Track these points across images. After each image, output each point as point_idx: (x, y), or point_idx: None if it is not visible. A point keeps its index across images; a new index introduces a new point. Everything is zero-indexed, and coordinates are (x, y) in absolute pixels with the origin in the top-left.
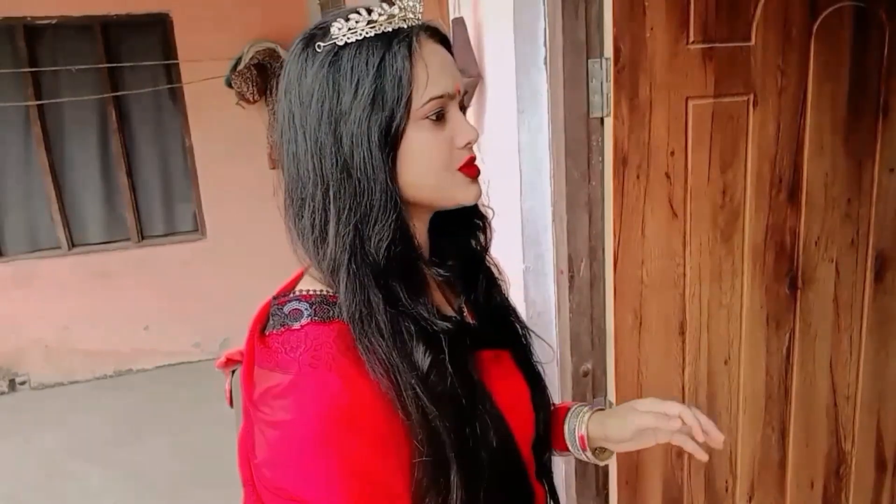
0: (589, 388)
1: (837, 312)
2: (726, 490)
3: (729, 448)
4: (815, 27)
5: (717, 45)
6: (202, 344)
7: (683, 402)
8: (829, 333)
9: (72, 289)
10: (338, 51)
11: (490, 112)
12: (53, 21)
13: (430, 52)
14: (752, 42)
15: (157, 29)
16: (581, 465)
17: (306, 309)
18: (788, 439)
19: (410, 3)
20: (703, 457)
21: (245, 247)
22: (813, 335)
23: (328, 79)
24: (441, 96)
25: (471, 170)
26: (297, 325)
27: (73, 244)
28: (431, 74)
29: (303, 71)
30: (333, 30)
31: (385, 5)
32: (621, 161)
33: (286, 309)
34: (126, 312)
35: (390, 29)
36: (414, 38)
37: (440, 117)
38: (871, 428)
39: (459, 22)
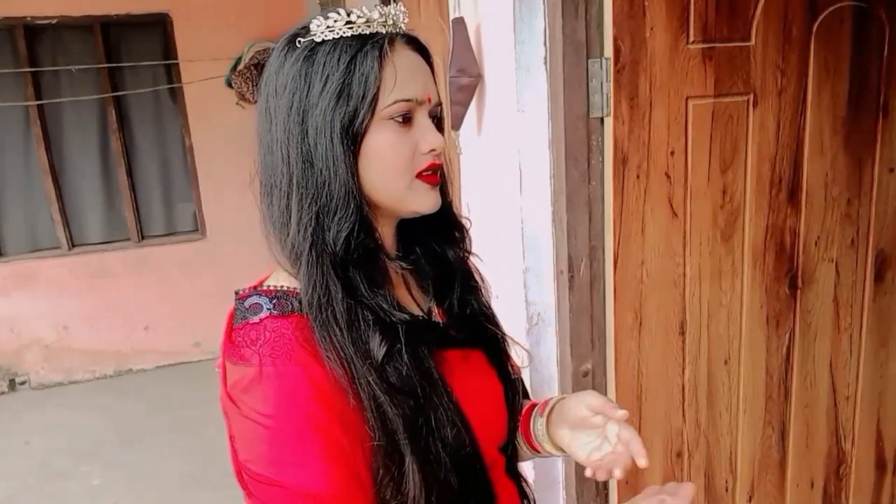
0: (589, 387)
1: (837, 312)
2: (726, 490)
3: (729, 448)
4: (815, 27)
5: (717, 44)
6: (202, 344)
7: (683, 402)
8: (829, 333)
9: (72, 289)
10: (314, 47)
11: (490, 112)
12: (53, 21)
13: (402, 57)
14: (752, 42)
15: (157, 29)
16: (581, 466)
17: (266, 303)
18: (788, 439)
19: (394, 12)
20: (619, 474)
21: (245, 247)
22: (813, 335)
23: (301, 72)
24: (408, 100)
25: (430, 177)
26: (255, 319)
27: (73, 244)
28: (400, 78)
29: (280, 64)
30: (312, 27)
31: (365, 9)
32: (621, 161)
33: (247, 303)
34: (126, 312)
35: (368, 31)
36: (387, 43)
37: (406, 120)
38: (871, 428)
39: (459, 22)
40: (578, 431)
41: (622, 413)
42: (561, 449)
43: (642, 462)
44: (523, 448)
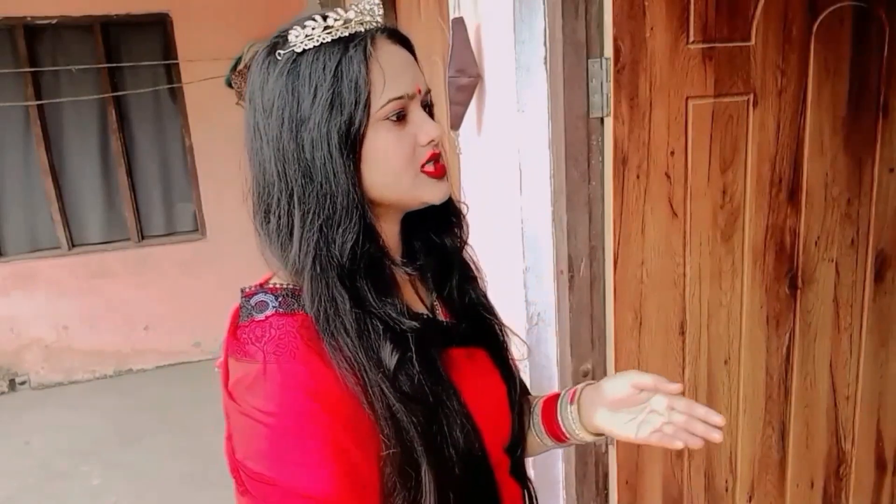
0: None
1: (837, 312)
2: (726, 490)
3: (729, 448)
4: (816, 27)
5: (717, 44)
6: (202, 344)
7: None
8: (829, 333)
9: (72, 289)
10: (296, 58)
11: (490, 112)
12: (53, 21)
13: (386, 53)
14: (752, 42)
15: (157, 29)
16: (581, 466)
17: (272, 301)
18: (788, 439)
19: (368, 7)
20: (679, 444)
21: (245, 247)
22: (813, 335)
23: (287, 86)
24: (400, 97)
25: (435, 170)
26: (261, 317)
27: (73, 244)
28: (388, 77)
29: (264, 80)
30: (291, 37)
31: (340, 10)
32: (621, 161)
33: (252, 301)
34: (126, 312)
35: (347, 34)
36: (369, 42)
37: (401, 117)
38: (871, 428)
39: (459, 22)
40: (618, 411)
41: (677, 387)
42: (595, 433)
43: (718, 419)
44: (544, 439)
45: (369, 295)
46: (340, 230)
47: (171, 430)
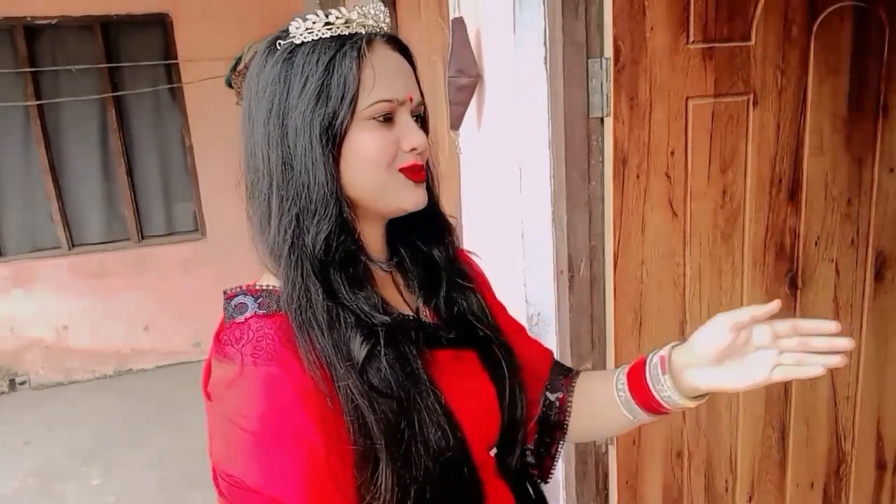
0: None
1: (837, 312)
2: (726, 490)
3: (729, 448)
4: (816, 27)
5: (717, 44)
6: (202, 344)
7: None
8: None
9: (71, 289)
10: (294, 49)
11: (490, 112)
12: (53, 21)
13: (382, 57)
14: (752, 42)
15: (157, 29)
16: (581, 466)
17: (251, 302)
18: (788, 439)
19: (373, 12)
20: (819, 371)
21: (245, 247)
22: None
23: (281, 74)
24: (389, 100)
25: (414, 174)
26: (241, 318)
27: (72, 244)
28: (379, 78)
29: (261, 68)
30: (292, 29)
31: (344, 9)
32: (621, 161)
33: (233, 303)
34: (126, 312)
35: (347, 32)
36: (365, 43)
37: (388, 119)
38: (871, 428)
39: (459, 22)
40: (723, 364)
41: (774, 304)
42: (697, 396)
43: (832, 326)
44: (636, 415)
45: (342, 287)
46: (315, 220)
47: (171, 430)
